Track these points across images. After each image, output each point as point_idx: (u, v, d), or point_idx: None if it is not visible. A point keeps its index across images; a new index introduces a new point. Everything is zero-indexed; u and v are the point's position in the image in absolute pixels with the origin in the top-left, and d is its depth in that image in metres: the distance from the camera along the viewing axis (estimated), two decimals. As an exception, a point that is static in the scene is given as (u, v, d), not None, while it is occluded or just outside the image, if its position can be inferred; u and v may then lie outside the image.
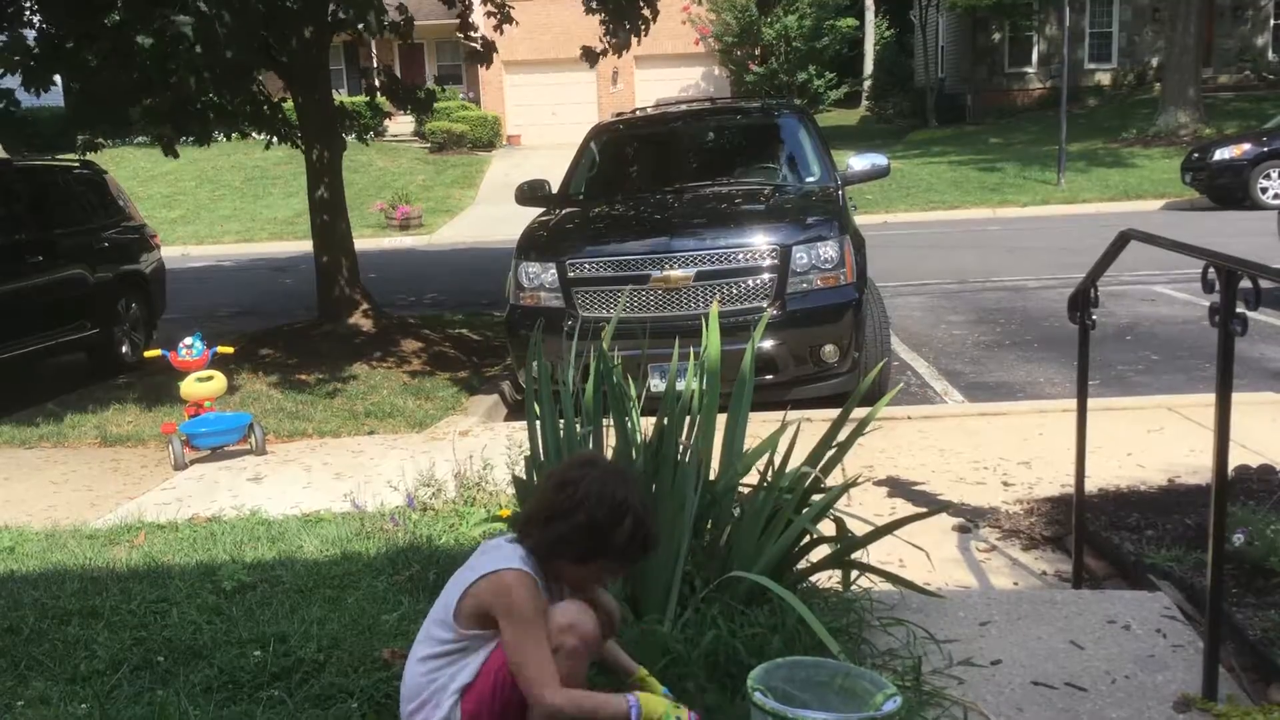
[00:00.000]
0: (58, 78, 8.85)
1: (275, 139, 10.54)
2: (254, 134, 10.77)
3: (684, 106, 10.01)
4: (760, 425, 4.01)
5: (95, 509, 5.61)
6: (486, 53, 10.66)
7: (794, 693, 2.46)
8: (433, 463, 5.38)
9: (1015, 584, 4.03)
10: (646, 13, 9.92)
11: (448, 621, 2.46)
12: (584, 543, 2.41)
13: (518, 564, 2.40)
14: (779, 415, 4.44)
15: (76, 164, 10.01)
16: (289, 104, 10.23)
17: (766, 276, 6.54)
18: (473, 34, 11.06)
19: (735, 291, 6.55)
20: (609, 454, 3.50)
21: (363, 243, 13.84)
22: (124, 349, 9.63)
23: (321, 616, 3.62)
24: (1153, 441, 5.55)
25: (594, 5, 9.97)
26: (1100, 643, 3.20)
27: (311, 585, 3.98)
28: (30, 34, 8.45)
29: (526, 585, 2.39)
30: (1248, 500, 4.20)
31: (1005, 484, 5.12)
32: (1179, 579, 3.64)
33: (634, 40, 10.07)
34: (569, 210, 7.91)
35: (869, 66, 39.58)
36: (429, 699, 2.46)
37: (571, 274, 6.80)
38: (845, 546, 3.42)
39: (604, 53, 10.29)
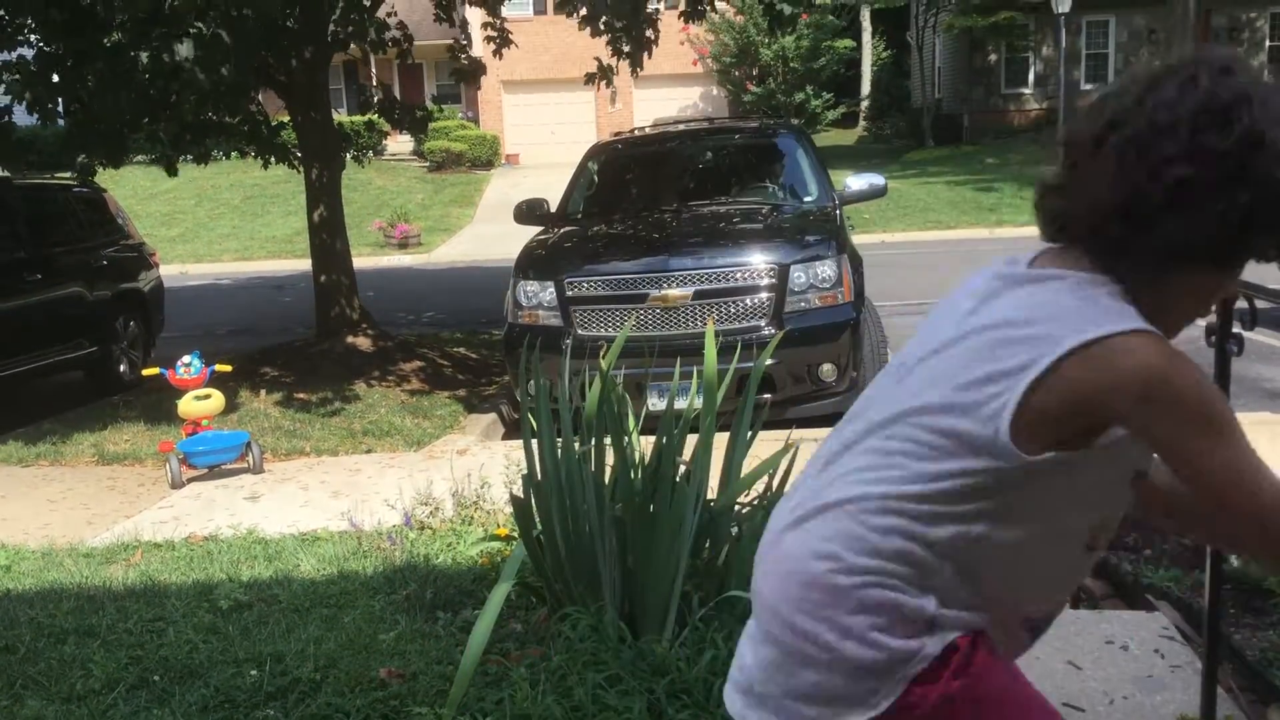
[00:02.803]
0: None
1: (273, 159, 10.55)
2: (252, 154, 10.79)
3: (682, 126, 10.06)
4: (758, 444, 4.01)
5: (92, 527, 5.59)
6: (475, 72, 10.70)
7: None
8: (430, 481, 5.38)
9: (1013, 604, 4.02)
10: (650, 35, 9.95)
11: (978, 427, 1.37)
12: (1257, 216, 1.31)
13: (1137, 323, 1.32)
14: (777, 434, 4.44)
15: (76, 182, 10.03)
16: (288, 123, 10.26)
17: (764, 295, 6.55)
18: (460, 54, 11.10)
19: (733, 310, 6.56)
20: (608, 473, 3.49)
21: (361, 261, 13.84)
22: (122, 367, 9.62)
23: (318, 636, 3.61)
24: (1150, 461, 5.54)
25: (601, 27, 10.00)
26: (1098, 663, 3.20)
27: (308, 604, 3.97)
28: (28, 53, 8.48)
29: (1180, 357, 1.32)
30: (1245, 520, 4.20)
31: (1003, 503, 5.11)
32: (1177, 599, 3.64)
33: (640, 62, 10.09)
34: (567, 229, 7.93)
35: (866, 87, 39.70)
36: (896, 597, 1.42)
37: (570, 293, 6.81)
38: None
39: (609, 74, 10.28)
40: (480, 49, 11.33)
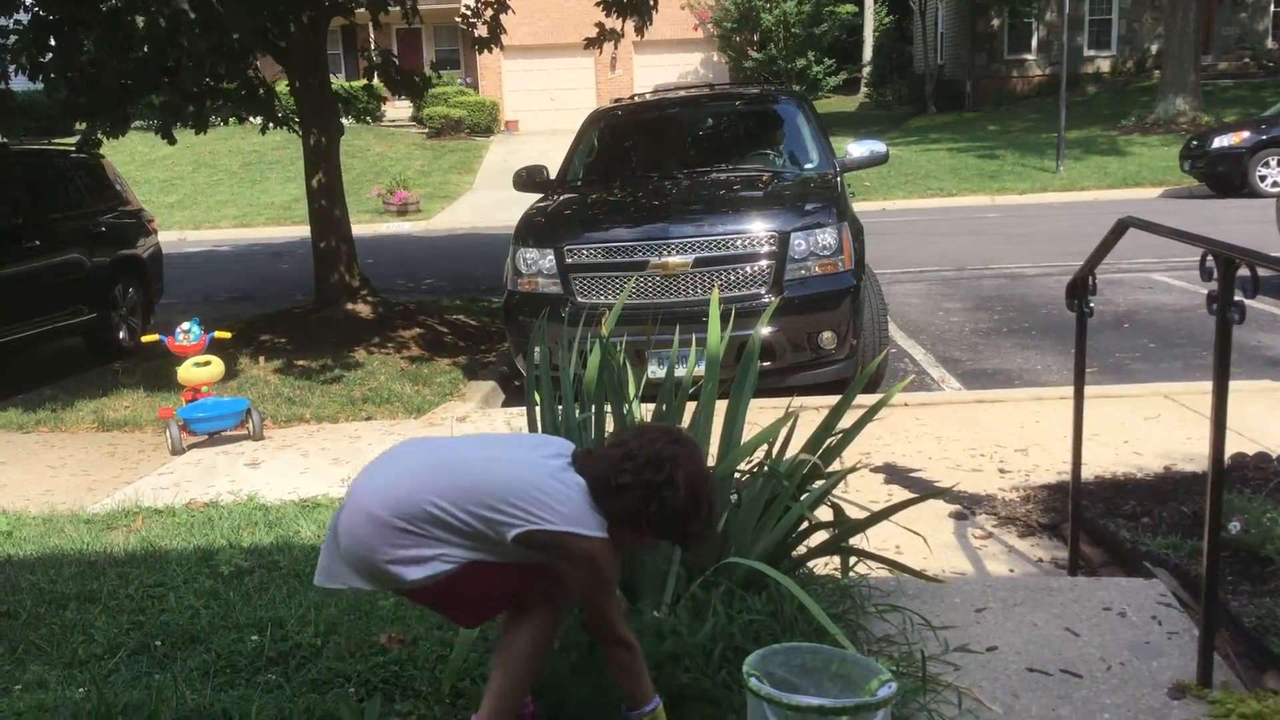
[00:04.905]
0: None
1: (271, 124, 10.49)
2: (251, 119, 10.72)
3: (682, 92, 9.98)
4: (758, 412, 4.02)
5: (93, 493, 5.61)
6: (493, 37, 10.57)
7: (790, 679, 2.46)
8: (430, 448, 5.37)
9: (1011, 570, 4.04)
10: None
11: (498, 527, 2.33)
12: (661, 523, 2.39)
13: (601, 534, 2.37)
14: (776, 402, 4.45)
15: (74, 148, 9.98)
16: (283, 88, 10.18)
17: (765, 263, 6.53)
18: (474, 19, 10.98)
19: (733, 278, 6.54)
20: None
21: (360, 228, 13.81)
22: (121, 334, 9.62)
23: (318, 601, 3.62)
24: (1150, 429, 5.56)
25: None
26: (1096, 630, 3.21)
27: (309, 570, 3.98)
28: (24, 18, 8.41)
29: (613, 555, 2.42)
30: (1244, 488, 4.21)
31: (1002, 471, 5.13)
32: (1175, 566, 3.65)
33: (648, 20, 9.95)
34: (567, 196, 7.90)
35: (868, 53, 39.49)
36: (428, 541, 2.34)
37: (569, 260, 6.79)
38: (842, 532, 3.43)
39: (614, 36, 10.16)
40: (481, 12, 11.11)
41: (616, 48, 10.22)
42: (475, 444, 2.60)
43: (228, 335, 7.10)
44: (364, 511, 2.37)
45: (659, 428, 2.55)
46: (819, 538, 3.47)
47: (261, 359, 8.52)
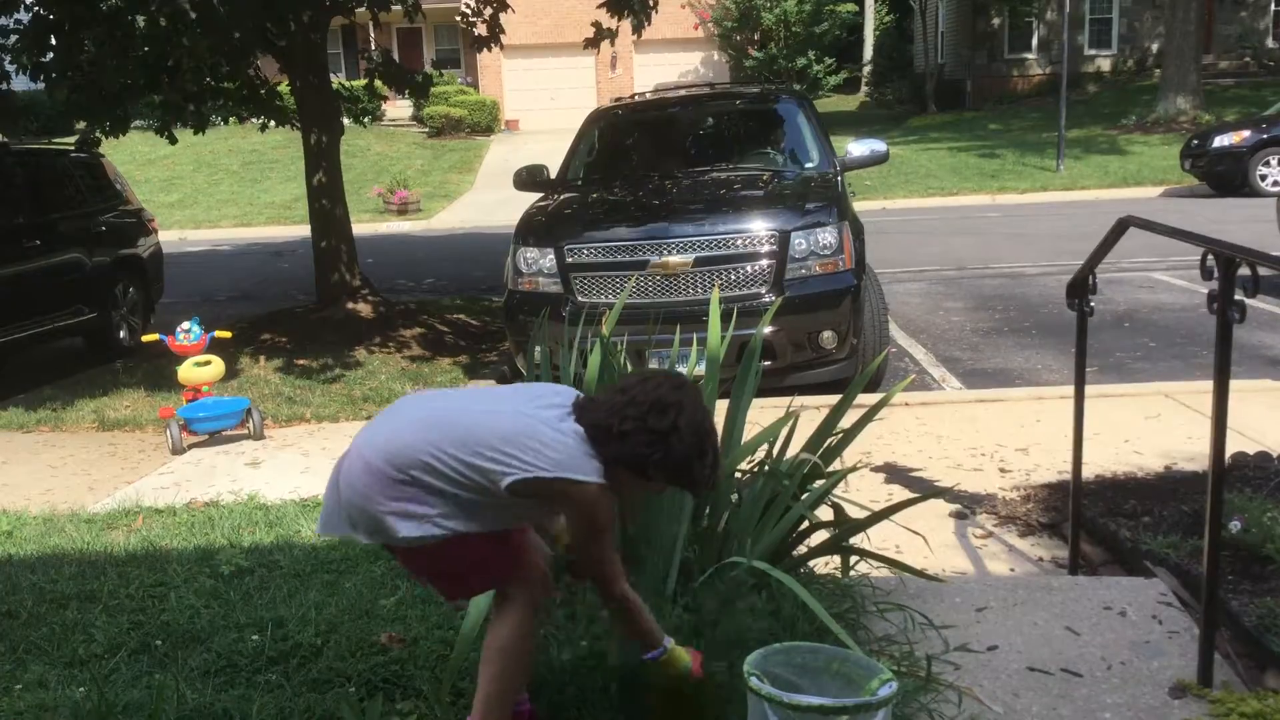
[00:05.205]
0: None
1: (272, 122, 10.49)
2: (251, 119, 10.71)
3: (683, 92, 9.98)
4: (759, 412, 4.01)
5: (93, 493, 5.61)
6: (493, 36, 10.56)
7: (790, 678, 2.46)
8: (431, 448, 5.37)
9: (1012, 570, 4.04)
10: None
11: (491, 475, 2.33)
12: (666, 469, 2.38)
13: (599, 479, 2.36)
14: (777, 401, 4.45)
15: (74, 147, 9.98)
16: (284, 88, 10.18)
17: (765, 262, 6.53)
18: (474, 19, 10.96)
19: (734, 277, 6.54)
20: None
21: (360, 228, 13.79)
22: (121, 333, 9.61)
23: (319, 601, 3.62)
24: (1150, 428, 5.55)
25: None
26: (1096, 629, 3.21)
27: (309, 570, 3.99)
28: (24, 18, 8.41)
29: (609, 501, 2.41)
30: (1244, 487, 4.21)
31: (1003, 470, 5.12)
32: (1175, 566, 3.65)
33: (646, 20, 9.93)
34: (567, 195, 7.89)
35: (868, 52, 39.46)
36: (423, 495, 2.36)
37: (570, 259, 6.79)
38: (843, 531, 3.42)
39: (610, 35, 10.14)
40: (482, 11, 11.09)
41: (614, 45, 10.19)
42: (477, 397, 2.63)
43: (228, 335, 7.10)
44: (363, 460, 2.40)
45: (661, 373, 2.52)
46: (820, 537, 3.47)
47: (262, 358, 8.53)
